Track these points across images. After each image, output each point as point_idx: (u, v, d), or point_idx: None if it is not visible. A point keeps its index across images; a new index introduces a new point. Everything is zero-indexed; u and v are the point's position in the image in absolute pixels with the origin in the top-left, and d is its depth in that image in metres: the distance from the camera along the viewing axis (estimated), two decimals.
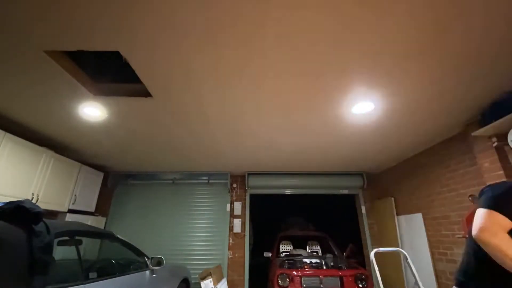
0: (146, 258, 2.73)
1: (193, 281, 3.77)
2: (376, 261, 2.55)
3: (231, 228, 4.57)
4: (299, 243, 5.60)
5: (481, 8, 1.35)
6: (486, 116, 2.32)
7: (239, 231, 4.55)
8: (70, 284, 1.64)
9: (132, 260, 2.68)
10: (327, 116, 2.51)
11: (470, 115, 2.49)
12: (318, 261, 3.70)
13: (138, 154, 3.78)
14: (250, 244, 4.68)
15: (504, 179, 2.22)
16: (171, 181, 4.79)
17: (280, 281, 3.17)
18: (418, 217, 3.48)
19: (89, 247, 3.92)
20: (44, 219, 1.46)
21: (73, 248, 1.91)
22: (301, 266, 3.51)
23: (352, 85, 2.00)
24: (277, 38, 1.54)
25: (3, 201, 1.38)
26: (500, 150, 2.29)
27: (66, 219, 3.50)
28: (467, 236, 1.24)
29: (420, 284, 2.41)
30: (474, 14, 1.38)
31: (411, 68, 1.80)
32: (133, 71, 1.85)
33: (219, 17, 1.39)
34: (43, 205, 2.99)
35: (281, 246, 5.33)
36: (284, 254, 4.81)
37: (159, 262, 2.75)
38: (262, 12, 1.37)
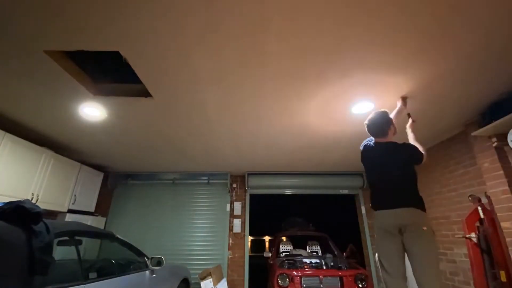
0: (146, 258, 2.72)
1: (193, 281, 3.77)
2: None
3: (231, 228, 4.57)
4: (299, 243, 5.61)
5: (482, 8, 1.35)
6: (486, 116, 2.32)
7: (239, 231, 4.55)
8: (70, 284, 1.64)
9: (132, 260, 2.68)
10: (326, 116, 2.51)
11: (470, 115, 2.49)
12: (318, 261, 3.70)
13: (138, 154, 3.78)
14: None
15: (504, 179, 2.22)
16: (171, 181, 4.78)
17: (280, 281, 3.17)
18: None
19: (89, 247, 3.92)
20: (44, 219, 1.45)
21: (73, 248, 1.91)
22: (301, 266, 3.51)
23: (352, 85, 2.00)
24: (277, 39, 1.54)
25: (3, 201, 1.38)
26: (500, 150, 2.30)
27: (66, 219, 3.50)
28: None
29: None
30: (475, 14, 1.38)
31: (411, 68, 1.80)
32: (133, 71, 1.85)
33: (220, 18, 1.39)
34: (43, 205, 2.99)
35: (281, 246, 5.33)
36: (284, 254, 4.82)
37: (159, 262, 2.75)
38: (263, 14, 1.37)
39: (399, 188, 1.75)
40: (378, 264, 1.75)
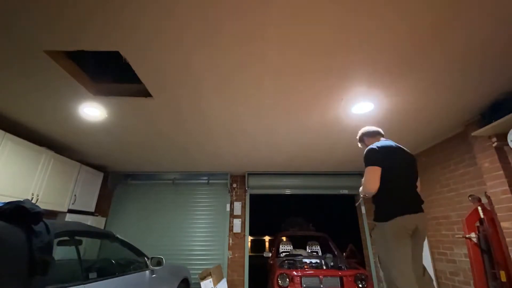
0: (146, 258, 2.72)
1: (193, 281, 3.77)
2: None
3: (231, 228, 4.57)
4: (299, 243, 5.61)
5: (482, 7, 1.35)
6: (486, 116, 2.32)
7: (239, 231, 4.55)
8: (70, 284, 1.64)
9: (132, 260, 2.67)
10: (327, 116, 2.51)
11: (470, 115, 2.49)
12: (318, 261, 3.70)
13: (138, 154, 3.78)
14: None
15: (504, 179, 2.22)
16: (171, 181, 4.78)
17: (280, 281, 3.17)
18: None
19: (89, 247, 3.92)
20: (44, 219, 1.45)
21: (73, 248, 1.91)
22: (301, 266, 3.51)
23: (352, 85, 2.00)
24: (277, 39, 1.54)
25: (3, 201, 1.38)
26: (500, 150, 2.29)
27: (66, 219, 3.50)
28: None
29: None
30: (476, 13, 1.38)
31: (411, 68, 1.80)
32: (133, 71, 1.85)
33: (220, 18, 1.39)
34: (43, 205, 2.98)
35: (281, 246, 5.33)
36: (284, 254, 4.82)
37: (159, 262, 2.75)
38: (263, 14, 1.37)
39: (417, 195, 1.83)
40: (389, 268, 1.65)
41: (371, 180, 1.71)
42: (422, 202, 1.80)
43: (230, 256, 4.40)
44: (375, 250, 1.82)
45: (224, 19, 1.40)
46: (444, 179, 3.10)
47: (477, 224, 2.42)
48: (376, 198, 1.78)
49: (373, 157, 1.76)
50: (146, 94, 2.15)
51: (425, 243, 3.32)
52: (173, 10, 1.35)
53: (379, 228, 1.76)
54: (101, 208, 4.52)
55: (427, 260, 3.29)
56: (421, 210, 1.76)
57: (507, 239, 2.16)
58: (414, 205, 1.75)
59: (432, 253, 3.25)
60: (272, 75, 1.89)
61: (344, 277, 3.17)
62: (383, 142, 1.87)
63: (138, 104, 2.32)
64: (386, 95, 2.14)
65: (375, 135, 2.00)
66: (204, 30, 1.48)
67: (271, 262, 4.28)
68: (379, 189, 1.72)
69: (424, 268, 1.77)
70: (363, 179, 1.79)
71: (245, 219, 4.65)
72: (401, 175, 1.77)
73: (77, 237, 1.96)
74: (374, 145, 1.83)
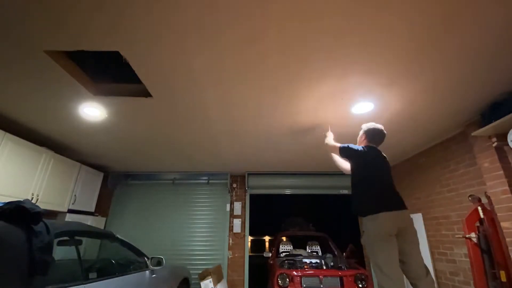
0: (146, 258, 2.72)
1: (193, 281, 3.77)
2: None
3: (231, 228, 4.57)
4: (299, 243, 5.61)
5: (486, 8, 1.35)
6: (486, 116, 2.32)
7: (239, 231, 4.55)
8: (70, 284, 1.64)
9: (132, 260, 2.67)
10: (326, 116, 2.50)
11: (470, 115, 2.49)
12: (318, 261, 3.70)
13: (138, 154, 3.78)
14: None
15: (504, 179, 2.22)
16: (171, 181, 4.78)
17: (280, 281, 3.17)
18: (418, 217, 3.48)
19: (89, 247, 3.92)
20: (44, 219, 1.45)
21: (73, 248, 1.91)
22: (301, 266, 3.51)
23: (352, 85, 2.00)
24: (278, 39, 1.54)
25: (3, 201, 1.38)
26: (500, 150, 2.29)
27: (66, 219, 3.50)
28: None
29: None
30: (477, 14, 1.38)
31: (411, 68, 1.80)
32: (133, 71, 1.85)
33: (221, 18, 1.39)
34: (43, 205, 2.98)
35: (281, 246, 5.33)
36: (284, 254, 4.82)
37: (159, 262, 2.75)
38: (264, 15, 1.36)
39: (396, 192, 1.91)
40: (376, 271, 1.71)
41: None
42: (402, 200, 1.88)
43: (230, 256, 4.40)
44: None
45: (224, 21, 1.40)
46: (444, 179, 3.10)
47: (477, 224, 2.42)
48: (356, 191, 1.97)
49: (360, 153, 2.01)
50: (146, 94, 2.15)
51: (425, 243, 3.32)
52: (173, 10, 1.35)
53: (365, 229, 1.84)
54: (101, 208, 4.52)
55: (427, 260, 3.28)
56: (405, 208, 1.83)
57: (507, 239, 2.16)
58: (398, 202, 1.84)
59: (432, 253, 3.25)
60: (272, 76, 1.89)
61: (344, 277, 3.17)
62: (363, 146, 2.07)
63: (138, 104, 2.32)
64: (386, 95, 2.14)
65: (373, 141, 2.10)
66: (205, 31, 1.48)
67: (271, 262, 4.28)
68: (361, 183, 1.93)
69: (427, 270, 1.78)
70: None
71: (245, 219, 4.65)
72: (380, 172, 1.92)
73: (77, 237, 1.96)
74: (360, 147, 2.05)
